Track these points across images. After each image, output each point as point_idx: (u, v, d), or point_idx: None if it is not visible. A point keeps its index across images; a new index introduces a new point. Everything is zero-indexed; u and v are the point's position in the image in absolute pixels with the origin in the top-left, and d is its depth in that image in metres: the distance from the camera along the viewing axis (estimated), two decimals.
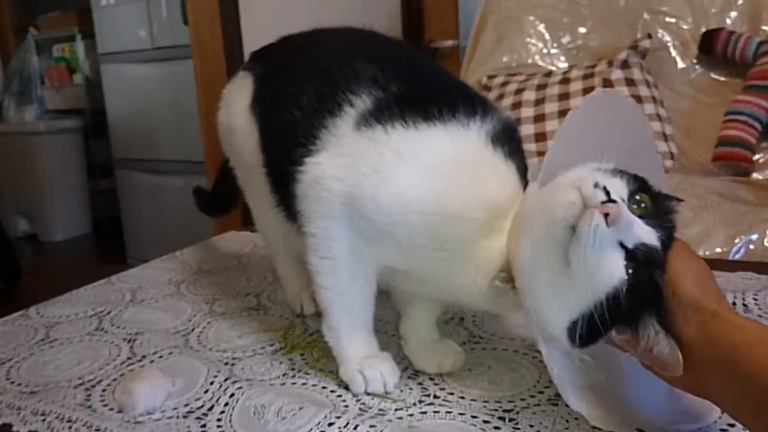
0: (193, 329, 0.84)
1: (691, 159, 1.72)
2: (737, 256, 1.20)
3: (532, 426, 0.57)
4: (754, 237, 1.21)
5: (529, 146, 1.68)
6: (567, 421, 0.58)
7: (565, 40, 2.02)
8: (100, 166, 3.78)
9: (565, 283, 0.50)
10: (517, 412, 0.60)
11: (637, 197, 0.51)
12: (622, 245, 0.49)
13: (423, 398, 0.64)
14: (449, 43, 2.74)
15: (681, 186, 1.40)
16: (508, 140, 0.62)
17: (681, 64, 1.86)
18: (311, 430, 0.57)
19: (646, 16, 1.91)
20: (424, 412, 0.61)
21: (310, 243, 0.66)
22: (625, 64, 1.76)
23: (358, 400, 0.64)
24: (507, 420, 0.59)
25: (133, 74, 3.09)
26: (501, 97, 1.86)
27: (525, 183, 0.62)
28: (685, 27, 1.87)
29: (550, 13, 2.04)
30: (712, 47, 1.77)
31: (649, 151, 0.67)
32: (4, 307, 0.94)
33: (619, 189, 0.50)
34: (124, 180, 3.28)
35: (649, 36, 1.83)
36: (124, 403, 0.63)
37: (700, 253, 1.17)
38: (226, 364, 0.73)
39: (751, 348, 0.45)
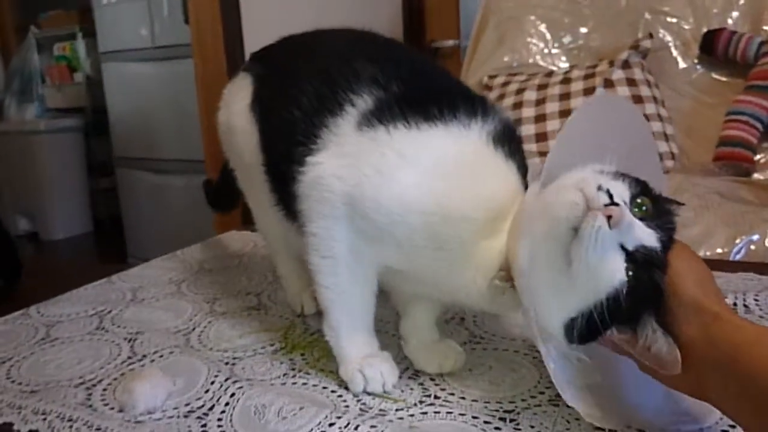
0: (193, 329, 0.84)
1: (692, 159, 1.72)
2: (738, 257, 1.20)
3: (532, 427, 0.57)
4: (755, 237, 1.21)
5: (530, 146, 1.68)
6: (568, 422, 0.58)
7: (566, 40, 2.01)
8: (100, 164, 3.78)
9: (565, 282, 0.51)
10: (518, 413, 0.60)
11: (639, 200, 0.52)
12: (623, 247, 0.50)
13: (424, 398, 0.64)
14: (450, 43, 2.74)
15: (682, 186, 1.39)
16: (508, 141, 0.63)
17: (682, 64, 1.86)
18: (312, 430, 0.57)
19: (647, 16, 1.91)
20: (425, 413, 0.61)
21: (310, 242, 0.66)
22: (626, 64, 1.76)
23: (358, 401, 0.64)
24: (508, 421, 0.59)
25: (134, 73, 3.09)
26: (502, 97, 1.85)
27: (525, 183, 0.62)
28: (686, 27, 1.87)
29: (551, 13, 2.03)
30: (713, 47, 1.77)
31: (649, 153, 0.67)
32: (5, 306, 0.94)
33: (622, 192, 0.51)
34: (124, 179, 3.28)
35: (651, 36, 1.83)
36: (124, 402, 0.63)
37: (701, 253, 1.17)
38: (226, 363, 0.73)
39: (751, 348, 0.45)
